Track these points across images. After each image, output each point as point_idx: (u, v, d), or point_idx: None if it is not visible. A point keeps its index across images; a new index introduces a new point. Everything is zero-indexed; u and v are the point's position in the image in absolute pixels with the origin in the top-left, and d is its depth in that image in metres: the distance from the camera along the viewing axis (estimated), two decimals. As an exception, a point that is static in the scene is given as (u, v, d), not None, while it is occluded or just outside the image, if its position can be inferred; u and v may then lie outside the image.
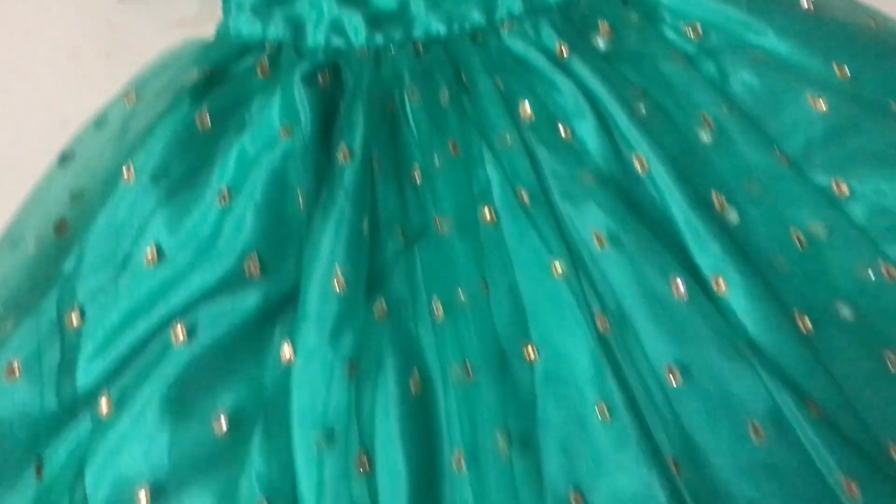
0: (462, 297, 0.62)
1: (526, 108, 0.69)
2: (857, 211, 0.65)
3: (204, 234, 0.64)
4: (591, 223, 0.64)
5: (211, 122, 0.68)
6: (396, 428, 0.59)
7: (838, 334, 0.61)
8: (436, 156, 0.68)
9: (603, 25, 0.72)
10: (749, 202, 0.66)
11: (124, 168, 0.65)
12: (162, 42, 0.74)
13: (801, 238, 0.64)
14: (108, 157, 0.68)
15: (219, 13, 0.74)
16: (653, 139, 0.66)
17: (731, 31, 0.71)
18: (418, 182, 0.68)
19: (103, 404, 0.59)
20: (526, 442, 0.59)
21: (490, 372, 0.60)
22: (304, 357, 0.59)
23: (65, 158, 0.70)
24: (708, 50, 0.71)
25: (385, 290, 0.63)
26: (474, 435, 0.58)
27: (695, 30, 0.72)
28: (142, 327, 0.61)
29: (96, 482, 0.57)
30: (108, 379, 0.60)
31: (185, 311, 0.61)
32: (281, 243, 0.64)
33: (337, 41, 0.74)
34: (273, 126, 0.68)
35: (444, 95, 0.71)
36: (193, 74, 0.70)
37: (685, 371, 0.59)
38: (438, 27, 0.74)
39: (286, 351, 0.60)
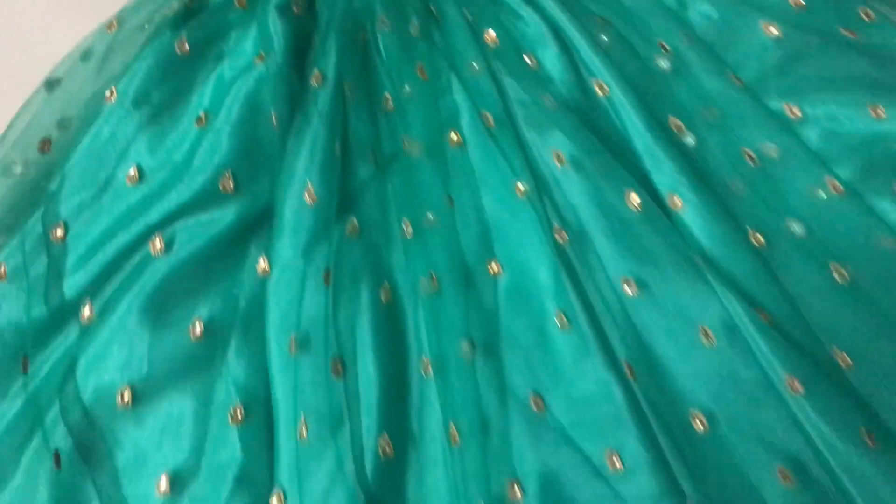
0: (430, 217, 0.64)
1: (491, 34, 0.71)
2: (810, 134, 0.67)
3: (182, 154, 0.66)
4: (553, 147, 0.66)
5: (190, 49, 0.69)
6: (369, 335, 0.61)
7: (789, 249, 0.63)
8: (406, 84, 0.70)
9: (567, -42, 0.74)
10: (706, 127, 0.68)
11: (107, 92, 0.67)
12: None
13: (755, 157, 0.66)
14: (92, 86, 0.70)
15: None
16: (614, 67, 0.68)
17: (689, -37, 0.73)
18: (389, 109, 0.69)
19: (86, 311, 0.61)
20: (489, 349, 0.61)
21: (456, 285, 0.62)
22: (279, 268, 0.61)
23: (51, 84, 0.71)
24: (667, -19, 0.73)
25: (357, 211, 0.65)
26: (440, 343, 0.60)
27: (655, -38, 0.73)
28: (122, 241, 0.63)
29: (82, 385, 0.59)
30: (91, 288, 0.62)
31: (163, 225, 0.63)
32: (255, 162, 0.66)
33: (311, -28, 0.74)
34: (248, 54, 0.69)
35: (414, 26, 0.72)
36: (174, 5, 0.71)
37: (641, 282, 0.61)
38: (409, -40, 0.75)
39: (262, 263, 0.61)
